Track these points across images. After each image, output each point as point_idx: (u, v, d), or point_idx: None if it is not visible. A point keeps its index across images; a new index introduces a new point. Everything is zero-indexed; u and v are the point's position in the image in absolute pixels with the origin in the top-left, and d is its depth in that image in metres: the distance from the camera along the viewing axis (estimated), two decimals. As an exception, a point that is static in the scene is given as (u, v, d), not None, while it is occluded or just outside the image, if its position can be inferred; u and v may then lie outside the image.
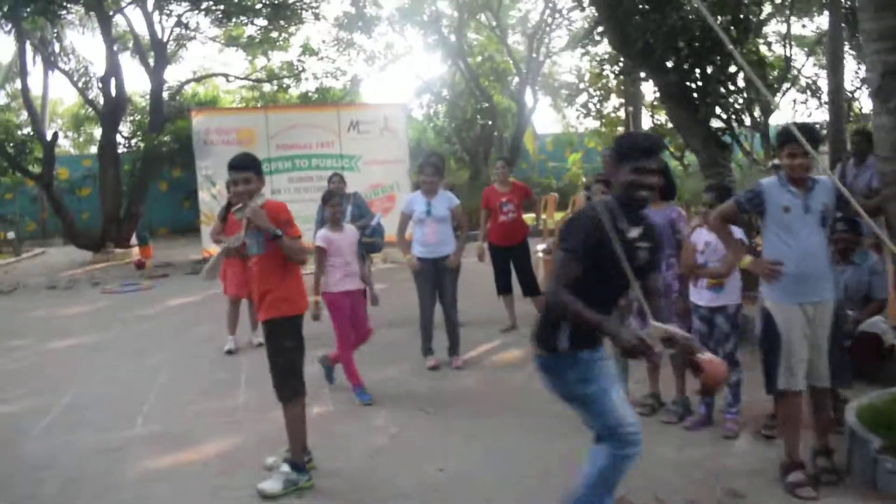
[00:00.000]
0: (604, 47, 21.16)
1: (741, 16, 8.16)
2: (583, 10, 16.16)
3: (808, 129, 3.82)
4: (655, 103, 17.43)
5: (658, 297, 3.43)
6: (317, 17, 18.56)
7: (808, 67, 17.79)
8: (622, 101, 18.95)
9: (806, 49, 16.72)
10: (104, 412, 5.82)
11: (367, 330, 6.05)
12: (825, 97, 11.08)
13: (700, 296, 4.87)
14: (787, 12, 12.40)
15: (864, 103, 12.98)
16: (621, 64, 13.04)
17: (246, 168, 4.23)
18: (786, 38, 12.23)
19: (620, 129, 20.16)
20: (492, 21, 19.55)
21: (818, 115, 12.10)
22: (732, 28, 8.14)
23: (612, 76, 19.20)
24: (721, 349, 4.71)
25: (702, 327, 4.85)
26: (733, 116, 8.66)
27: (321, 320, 5.71)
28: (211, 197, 15.22)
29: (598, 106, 19.65)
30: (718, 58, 8.20)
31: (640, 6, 8.41)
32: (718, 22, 7.74)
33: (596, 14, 10.73)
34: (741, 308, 4.92)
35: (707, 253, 4.78)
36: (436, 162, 6.75)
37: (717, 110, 8.58)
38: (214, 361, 7.25)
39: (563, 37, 20.70)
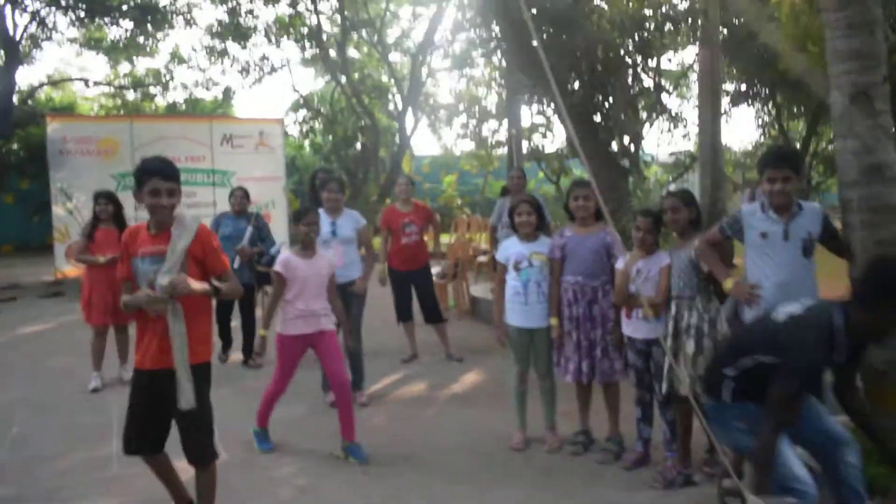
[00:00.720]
0: (480, 70, 21.52)
1: (645, 37, 8.11)
2: (472, 30, 16.05)
3: (787, 155, 3.61)
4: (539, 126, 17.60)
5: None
6: (188, 23, 17.48)
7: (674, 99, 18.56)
8: (501, 123, 19.03)
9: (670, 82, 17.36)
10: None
11: (341, 378, 4.86)
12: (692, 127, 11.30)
13: (635, 328, 4.49)
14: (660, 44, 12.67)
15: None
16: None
17: (174, 177, 3.51)
18: (656, 70, 12.49)
19: (500, 152, 20.26)
20: (373, 38, 19.09)
21: (684, 144, 12.47)
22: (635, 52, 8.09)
23: (494, 98, 19.42)
24: (658, 383, 4.41)
25: (638, 361, 4.50)
26: (632, 141, 8.60)
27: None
28: (66, 212, 13.88)
29: (476, 128, 19.65)
30: (619, 82, 8.14)
31: (544, 27, 8.21)
32: (622, 44, 7.65)
33: (485, 35, 10.58)
34: None
35: (639, 281, 4.41)
36: (341, 178, 6.22)
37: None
38: (78, 402, 6.31)
39: (443, 58, 20.58)
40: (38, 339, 9.24)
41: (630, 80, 8.09)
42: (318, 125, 21.40)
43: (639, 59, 8.16)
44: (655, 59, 8.48)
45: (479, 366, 7.19)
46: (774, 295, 3.67)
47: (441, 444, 5.09)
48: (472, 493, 4.28)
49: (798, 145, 18.40)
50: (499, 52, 18.21)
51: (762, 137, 21.46)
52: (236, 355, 7.55)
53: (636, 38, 7.80)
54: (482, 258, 11.39)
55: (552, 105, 16.35)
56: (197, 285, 3.46)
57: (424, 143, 44.29)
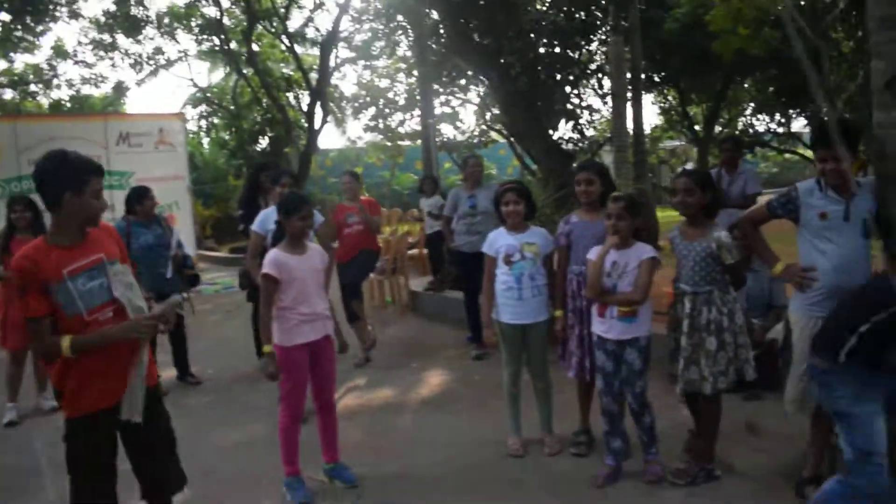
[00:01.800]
0: (384, 61, 21.00)
1: (595, 14, 7.82)
2: (378, 19, 15.48)
3: (848, 129, 3.35)
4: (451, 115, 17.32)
5: None
6: (74, 15, 16.17)
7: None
8: (410, 114, 18.61)
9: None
10: None
11: (329, 398, 4.28)
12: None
13: (608, 327, 4.05)
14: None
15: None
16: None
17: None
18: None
19: (411, 143, 19.84)
20: (279, 28, 18.21)
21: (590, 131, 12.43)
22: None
23: (401, 89, 18.97)
24: (630, 389, 4.03)
25: (607, 364, 4.07)
26: (577, 126, 8.34)
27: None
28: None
29: (386, 120, 19.18)
30: (566, 65, 7.86)
31: (485, 5, 7.81)
32: (572, 21, 7.34)
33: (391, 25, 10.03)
34: (651, 340, 4.09)
35: (615, 275, 4.01)
36: (293, 172, 5.64)
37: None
38: (-5, 439, 5.49)
39: (348, 49, 19.92)
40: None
41: (577, 62, 7.79)
42: (219, 121, 20.34)
43: (581, 41, 7.87)
44: (596, 39, 8.24)
45: (437, 366, 6.75)
46: (832, 279, 3.43)
47: (429, 456, 4.62)
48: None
49: (700, 128, 18.89)
50: (406, 42, 17.94)
51: (664, 122, 22.01)
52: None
53: (581, 16, 7.53)
54: (412, 252, 10.96)
55: (466, 93, 16.16)
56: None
57: (328, 137, 43.17)
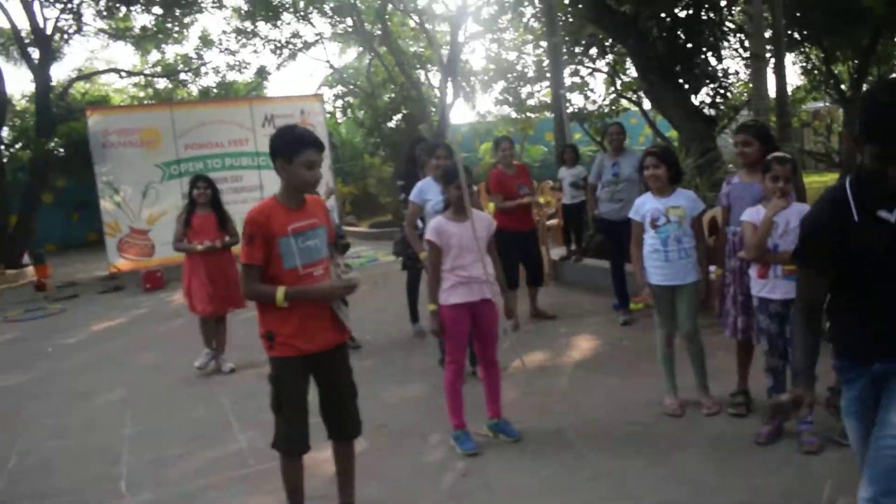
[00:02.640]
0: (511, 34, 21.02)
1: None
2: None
3: None
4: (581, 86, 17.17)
5: None
6: (218, 5, 17.11)
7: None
8: (539, 85, 18.60)
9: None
10: (67, 479, 4.56)
11: (492, 355, 4.52)
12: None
13: (772, 286, 4.06)
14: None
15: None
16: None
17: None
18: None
19: (548, 115, 19.84)
20: (410, 5, 18.62)
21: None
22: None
23: (529, 61, 18.97)
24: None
25: (771, 326, 4.09)
26: (719, 90, 8.18)
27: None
28: (115, 205, 13.72)
29: (516, 92, 19.21)
30: (706, 28, 7.72)
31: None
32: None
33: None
34: None
35: (775, 235, 3.98)
36: (447, 144, 5.92)
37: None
38: (184, 398, 6.06)
39: (475, 23, 20.09)
40: (117, 335, 9.05)
41: (716, 24, 7.64)
42: (354, 101, 21.04)
43: (723, 1, 7.70)
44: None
45: (585, 332, 6.89)
46: None
47: (588, 415, 4.79)
48: (647, 467, 3.95)
49: (846, 88, 17.86)
50: (533, 12, 17.90)
51: (807, 83, 20.89)
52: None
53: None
54: (550, 222, 11.06)
55: (595, 62, 15.98)
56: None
57: (457, 112, 43.18)
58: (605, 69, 15.91)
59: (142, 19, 18.14)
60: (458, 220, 4.38)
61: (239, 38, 18.84)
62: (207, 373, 6.56)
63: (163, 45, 19.23)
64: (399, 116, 19.88)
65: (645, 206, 4.67)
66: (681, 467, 3.90)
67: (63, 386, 6.77)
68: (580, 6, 8.80)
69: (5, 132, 17.17)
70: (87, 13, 16.64)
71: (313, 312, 3.31)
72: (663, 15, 7.65)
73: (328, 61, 22.22)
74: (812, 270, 2.40)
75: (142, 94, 21.34)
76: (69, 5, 15.52)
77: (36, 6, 15.47)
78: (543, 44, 17.75)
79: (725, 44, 8.09)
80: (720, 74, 8.06)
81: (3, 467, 4.82)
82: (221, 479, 4.37)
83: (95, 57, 23.14)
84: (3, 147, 16.31)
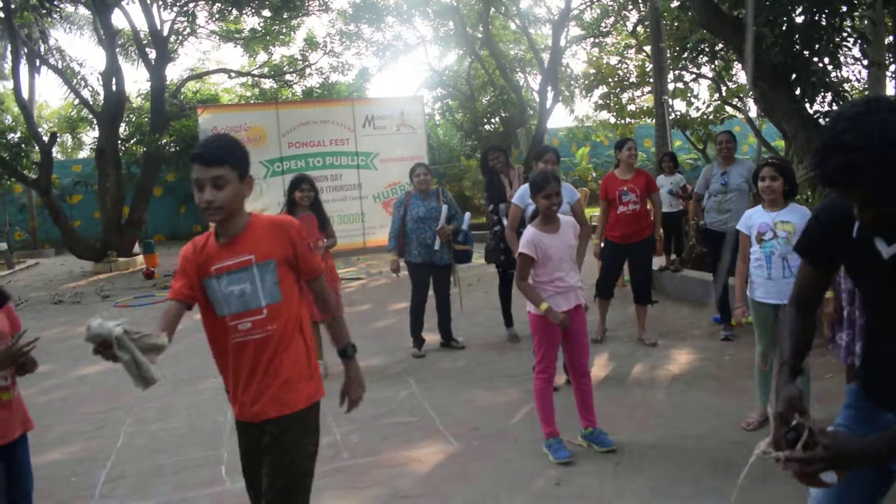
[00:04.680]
0: (613, 38, 20.73)
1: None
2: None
3: None
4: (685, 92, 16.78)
5: None
6: (324, 8, 17.54)
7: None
8: (645, 90, 18.30)
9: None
10: (170, 462, 4.74)
11: (583, 363, 4.45)
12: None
13: None
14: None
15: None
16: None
17: (220, 161, 2.57)
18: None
19: (648, 121, 19.50)
20: (512, 9, 18.62)
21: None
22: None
23: (631, 66, 18.67)
24: None
25: None
26: (836, 98, 7.81)
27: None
28: (221, 200, 14.22)
29: (617, 97, 18.94)
30: (824, 34, 7.38)
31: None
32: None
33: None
34: None
35: None
36: (556, 149, 5.88)
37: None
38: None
39: (577, 27, 19.91)
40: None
41: (835, 29, 7.30)
42: (452, 103, 21.18)
43: (843, 7, 7.35)
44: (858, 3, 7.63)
45: (683, 346, 6.70)
46: None
47: (685, 430, 4.66)
48: (745, 487, 3.83)
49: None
50: (637, 17, 17.60)
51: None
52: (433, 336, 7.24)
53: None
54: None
55: (700, 68, 15.57)
56: None
57: (555, 115, 42.73)
58: (711, 75, 15.49)
59: (251, 22, 18.68)
60: (551, 231, 4.35)
61: (343, 40, 19.23)
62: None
63: (270, 47, 19.84)
64: (497, 120, 19.87)
65: (753, 218, 4.53)
66: (778, 491, 3.74)
67: (167, 370, 7.03)
68: (690, 12, 8.55)
69: (122, 128, 18.03)
70: (201, 16, 17.36)
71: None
72: (779, 20, 7.34)
73: (428, 63, 22.50)
74: (807, 261, 2.23)
75: (249, 93, 22.04)
76: (185, 8, 16.17)
77: (154, 9, 16.22)
78: (647, 48, 17.51)
79: (843, 50, 7.68)
80: (837, 82, 7.68)
81: (112, 447, 5.05)
82: (316, 471, 4.44)
83: (207, 58, 24.02)
84: (119, 142, 17.12)
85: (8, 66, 19.59)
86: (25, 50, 16.41)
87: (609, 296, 6.99)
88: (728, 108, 17.60)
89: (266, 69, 20.45)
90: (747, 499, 3.61)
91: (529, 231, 4.39)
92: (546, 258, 4.29)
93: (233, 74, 20.72)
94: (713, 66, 14.68)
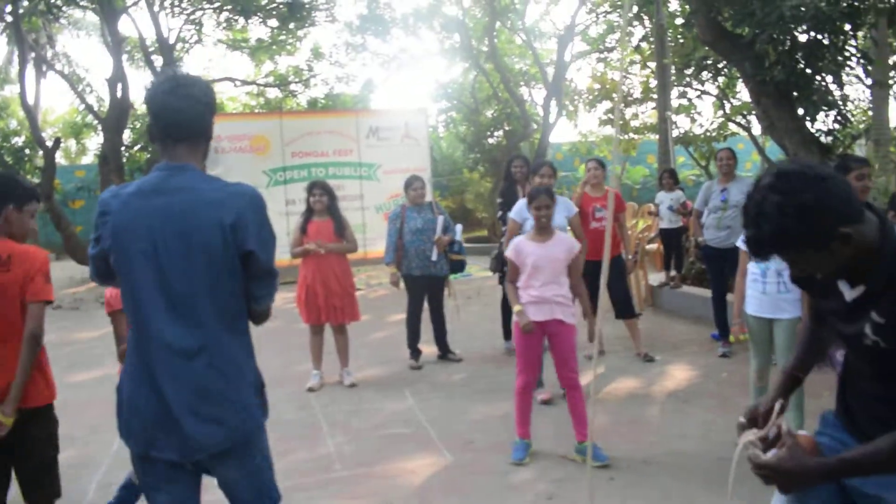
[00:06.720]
0: (618, 53, 20.78)
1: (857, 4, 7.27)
2: (615, 11, 15.39)
3: None
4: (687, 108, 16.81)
5: None
6: (331, 19, 17.62)
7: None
8: (649, 106, 18.37)
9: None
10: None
11: (569, 376, 4.53)
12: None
13: None
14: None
15: None
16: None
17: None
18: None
19: (651, 137, 19.54)
20: (518, 23, 18.69)
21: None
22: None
23: (635, 81, 18.73)
24: None
25: None
26: (838, 117, 7.81)
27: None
28: (223, 209, 14.24)
29: (620, 113, 18.99)
30: (827, 53, 7.39)
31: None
32: (836, 5, 6.89)
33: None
34: None
35: None
36: (552, 163, 5.89)
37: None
38: (279, 399, 6.16)
39: (582, 41, 19.99)
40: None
41: (837, 49, 7.31)
42: (456, 116, 21.22)
43: (847, 26, 7.35)
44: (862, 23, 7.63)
45: (680, 361, 6.69)
46: None
47: (679, 447, 4.65)
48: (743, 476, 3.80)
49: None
50: (642, 33, 17.64)
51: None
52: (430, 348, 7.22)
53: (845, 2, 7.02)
54: (650, 246, 10.82)
55: (703, 84, 15.60)
56: None
57: (558, 130, 42.70)
58: (715, 92, 15.52)
59: (258, 31, 18.79)
60: (540, 241, 4.48)
61: (348, 51, 19.31)
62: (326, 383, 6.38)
63: (276, 57, 19.92)
64: (500, 133, 19.91)
65: None
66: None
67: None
68: (694, 29, 8.56)
69: (126, 135, 18.07)
70: (208, 24, 17.44)
71: None
72: (782, 38, 7.35)
73: (435, 77, 22.62)
74: (800, 288, 2.24)
75: (253, 102, 22.11)
76: (192, 17, 16.24)
77: (162, 17, 16.30)
78: (651, 65, 17.54)
79: (846, 69, 7.70)
80: (839, 101, 7.68)
81: (106, 453, 5.05)
82: (308, 481, 4.44)
83: (212, 66, 24.10)
84: (123, 148, 17.15)
85: (15, 70, 19.66)
86: (32, 55, 16.47)
87: (594, 312, 6.96)
88: (731, 125, 17.63)
89: (271, 78, 20.52)
90: (744, 490, 3.59)
91: (517, 238, 4.63)
92: (523, 265, 4.45)
93: (238, 83, 20.79)
94: (717, 83, 14.71)
